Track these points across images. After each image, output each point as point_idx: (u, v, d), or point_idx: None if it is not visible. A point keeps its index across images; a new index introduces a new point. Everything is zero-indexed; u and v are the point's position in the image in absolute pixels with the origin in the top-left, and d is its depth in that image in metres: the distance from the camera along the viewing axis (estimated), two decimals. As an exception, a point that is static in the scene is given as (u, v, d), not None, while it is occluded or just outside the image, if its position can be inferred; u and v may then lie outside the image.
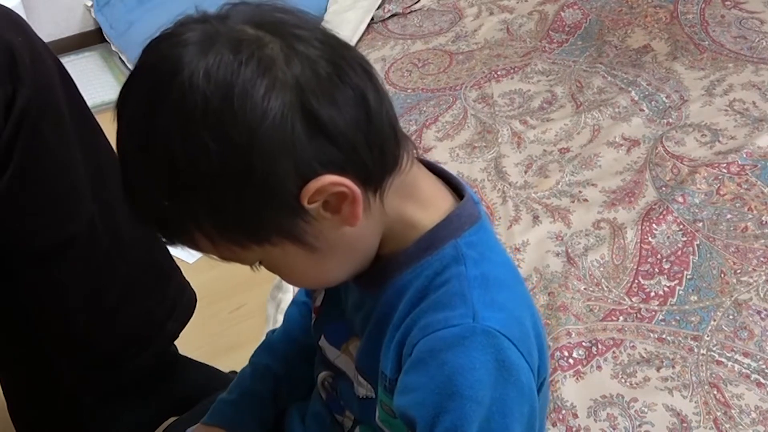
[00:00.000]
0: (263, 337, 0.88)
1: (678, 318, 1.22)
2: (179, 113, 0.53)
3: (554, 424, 1.09)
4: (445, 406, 0.58)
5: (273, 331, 0.88)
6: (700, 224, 1.38)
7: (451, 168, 1.62)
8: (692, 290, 1.27)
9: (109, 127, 0.99)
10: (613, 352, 1.18)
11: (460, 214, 0.63)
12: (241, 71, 0.52)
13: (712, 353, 1.16)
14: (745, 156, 1.50)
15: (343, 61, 0.56)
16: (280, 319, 1.34)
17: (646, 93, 1.76)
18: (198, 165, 0.53)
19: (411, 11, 2.30)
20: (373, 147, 0.56)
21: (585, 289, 1.30)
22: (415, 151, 0.63)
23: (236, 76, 0.52)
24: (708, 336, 1.19)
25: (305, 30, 0.56)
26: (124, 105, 0.56)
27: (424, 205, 0.63)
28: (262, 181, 0.54)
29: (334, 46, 0.57)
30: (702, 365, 1.15)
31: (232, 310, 1.48)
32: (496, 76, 1.92)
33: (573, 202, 1.49)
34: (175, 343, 1.11)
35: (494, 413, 0.58)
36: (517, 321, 0.60)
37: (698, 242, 1.35)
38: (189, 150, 0.53)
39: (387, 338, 0.63)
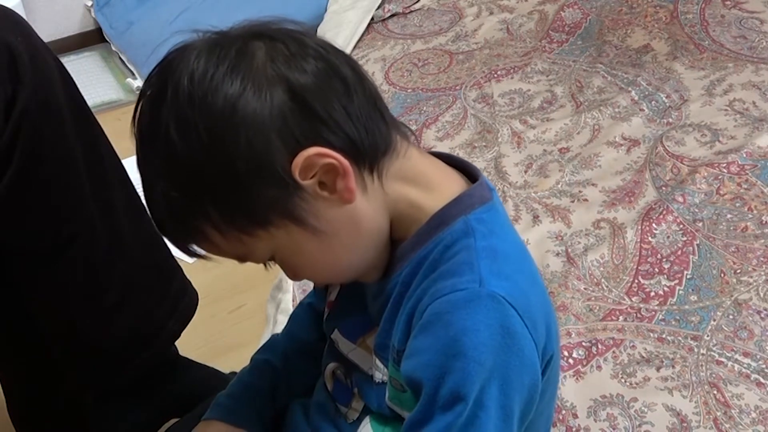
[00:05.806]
0: (263, 337, 0.89)
1: (678, 318, 1.22)
2: (173, 105, 0.59)
3: (554, 424, 1.09)
4: (450, 366, 0.59)
5: (277, 334, 0.90)
6: (700, 224, 1.38)
7: (451, 168, 1.63)
8: (692, 290, 1.27)
9: (109, 127, 1.00)
10: (613, 351, 1.18)
11: (471, 194, 0.66)
12: (220, 63, 0.60)
13: (712, 353, 1.16)
14: (745, 156, 1.50)
15: (322, 50, 0.62)
16: (280, 319, 1.34)
17: (646, 93, 1.76)
18: (193, 147, 0.58)
19: (411, 11, 2.30)
20: (356, 123, 0.61)
21: (585, 288, 1.30)
22: (415, 139, 0.67)
23: (215, 68, 0.59)
24: (708, 336, 1.19)
25: (295, 34, 0.62)
26: (137, 111, 0.63)
27: (429, 188, 0.66)
28: (250, 154, 0.58)
29: (323, 44, 0.63)
30: (702, 365, 1.15)
31: (232, 310, 1.48)
32: (496, 75, 1.92)
33: (573, 201, 1.49)
34: (175, 343, 1.11)
35: (494, 378, 0.59)
36: (523, 293, 0.62)
37: (698, 242, 1.35)
38: (183, 134, 0.58)
39: (400, 312, 0.65)
